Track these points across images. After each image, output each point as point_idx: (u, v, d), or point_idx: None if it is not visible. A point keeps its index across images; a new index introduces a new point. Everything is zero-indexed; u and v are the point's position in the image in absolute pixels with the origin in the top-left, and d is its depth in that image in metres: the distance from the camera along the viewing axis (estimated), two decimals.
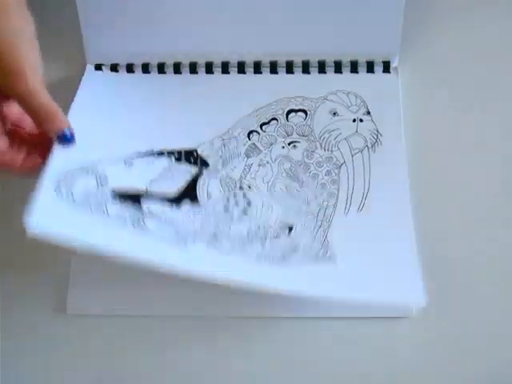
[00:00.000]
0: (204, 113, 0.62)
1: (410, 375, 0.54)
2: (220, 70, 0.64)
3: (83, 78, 0.63)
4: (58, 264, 0.58)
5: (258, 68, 0.64)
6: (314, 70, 0.64)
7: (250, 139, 0.60)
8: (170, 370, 0.55)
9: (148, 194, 0.56)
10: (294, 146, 0.60)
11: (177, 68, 0.64)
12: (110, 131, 0.60)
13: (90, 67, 0.64)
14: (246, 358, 0.55)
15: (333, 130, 0.60)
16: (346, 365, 0.55)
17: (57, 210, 0.52)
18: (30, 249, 0.59)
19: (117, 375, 0.55)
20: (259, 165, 0.59)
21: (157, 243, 0.53)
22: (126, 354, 0.56)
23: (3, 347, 0.56)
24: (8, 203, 0.61)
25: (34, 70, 0.47)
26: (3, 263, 0.59)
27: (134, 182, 0.56)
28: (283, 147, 0.60)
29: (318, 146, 0.60)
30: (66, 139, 0.51)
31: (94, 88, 0.63)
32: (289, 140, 0.60)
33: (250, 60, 0.64)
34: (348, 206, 0.57)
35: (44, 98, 0.48)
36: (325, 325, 0.55)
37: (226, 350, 0.56)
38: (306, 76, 0.64)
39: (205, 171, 0.58)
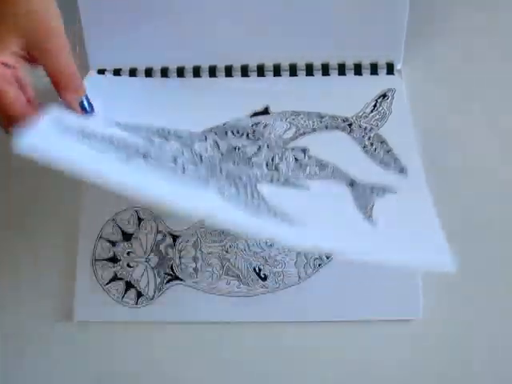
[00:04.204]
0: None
1: (416, 376, 0.55)
2: (223, 73, 0.64)
3: (85, 81, 0.63)
4: (64, 271, 0.58)
5: (261, 71, 0.64)
6: (317, 73, 0.64)
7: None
8: (172, 375, 0.55)
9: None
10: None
11: (180, 72, 0.64)
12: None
13: (92, 72, 0.64)
14: (250, 361, 0.55)
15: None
16: (355, 367, 0.55)
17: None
18: (37, 255, 0.59)
19: (119, 379, 0.56)
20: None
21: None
22: (129, 359, 0.56)
23: (7, 352, 0.56)
24: (11, 207, 0.61)
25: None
26: (7, 267, 0.59)
27: None
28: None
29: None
30: (88, 105, 0.51)
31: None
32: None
33: (253, 63, 0.64)
34: None
35: (74, 64, 0.49)
36: (333, 329, 0.56)
37: (227, 355, 0.56)
38: (310, 78, 0.64)
39: None
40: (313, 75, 0.64)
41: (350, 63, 0.63)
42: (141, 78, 0.64)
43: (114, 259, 0.58)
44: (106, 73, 0.64)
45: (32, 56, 0.48)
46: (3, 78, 0.47)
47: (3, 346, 0.56)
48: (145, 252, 0.58)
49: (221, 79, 0.64)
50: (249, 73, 0.64)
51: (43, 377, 0.56)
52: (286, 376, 0.55)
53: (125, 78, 0.64)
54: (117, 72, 0.64)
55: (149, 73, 0.64)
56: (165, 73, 0.64)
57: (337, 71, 0.63)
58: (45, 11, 0.47)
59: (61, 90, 0.49)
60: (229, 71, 0.64)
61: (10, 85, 0.47)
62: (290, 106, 0.62)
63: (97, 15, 0.62)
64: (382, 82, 0.63)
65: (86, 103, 0.51)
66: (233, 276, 0.57)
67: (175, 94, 0.63)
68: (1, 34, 0.46)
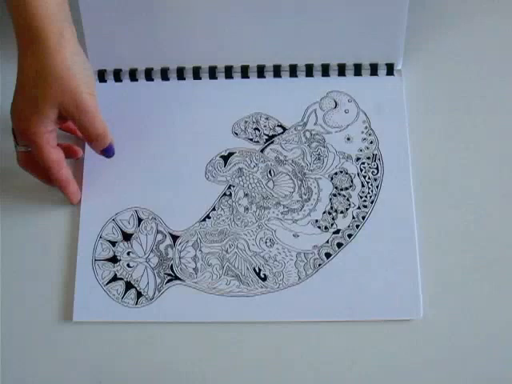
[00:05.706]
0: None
1: (416, 376, 0.55)
2: (223, 74, 0.64)
3: None
4: (64, 271, 0.58)
5: (261, 72, 0.64)
6: (317, 74, 0.64)
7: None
8: (172, 375, 0.55)
9: None
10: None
11: (180, 73, 0.64)
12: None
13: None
14: (250, 361, 0.55)
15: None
16: (356, 367, 0.55)
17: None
18: (36, 255, 0.59)
19: (119, 379, 0.56)
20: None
21: None
22: (129, 359, 0.56)
23: (7, 352, 0.56)
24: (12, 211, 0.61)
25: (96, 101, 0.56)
26: (9, 268, 0.59)
27: None
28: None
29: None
30: (109, 152, 0.59)
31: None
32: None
33: (253, 64, 0.64)
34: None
35: (101, 126, 0.56)
36: (333, 329, 0.56)
37: (227, 355, 0.55)
38: (310, 79, 0.64)
39: None
40: (313, 76, 0.64)
41: (350, 64, 0.63)
42: (142, 83, 0.65)
43: (114, 259, 0.58)
44: (106, 76, 0.64)
45: (64, 118, 0.56)
46: (48, 143, 0.56)
47: (3, 345, 0.56)
48: (145, 252, 0.58)
49: (221, 81, 0.64)
50: (249, 74, 0.64)
51: (43, 377, 0.56)
52: (286, 376, 0.55)
53: (127, 84, 0.65)
54: (117, 72, 0.64)
55: (148, 73, 0.64)
56: (165, 73, 0.64)
57: (337, 71, 0.63)
58: (77, 88, 0.54)
59: (89, 144, 0.58)
60: (229, 72, 0.64)
61: (55, 148, 0.57)
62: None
63: (98, 16, 0.62)
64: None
65: (109, 151, 0.58)
66: (233, 276, 0.57)
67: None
68: (44, 108, 0.54)
